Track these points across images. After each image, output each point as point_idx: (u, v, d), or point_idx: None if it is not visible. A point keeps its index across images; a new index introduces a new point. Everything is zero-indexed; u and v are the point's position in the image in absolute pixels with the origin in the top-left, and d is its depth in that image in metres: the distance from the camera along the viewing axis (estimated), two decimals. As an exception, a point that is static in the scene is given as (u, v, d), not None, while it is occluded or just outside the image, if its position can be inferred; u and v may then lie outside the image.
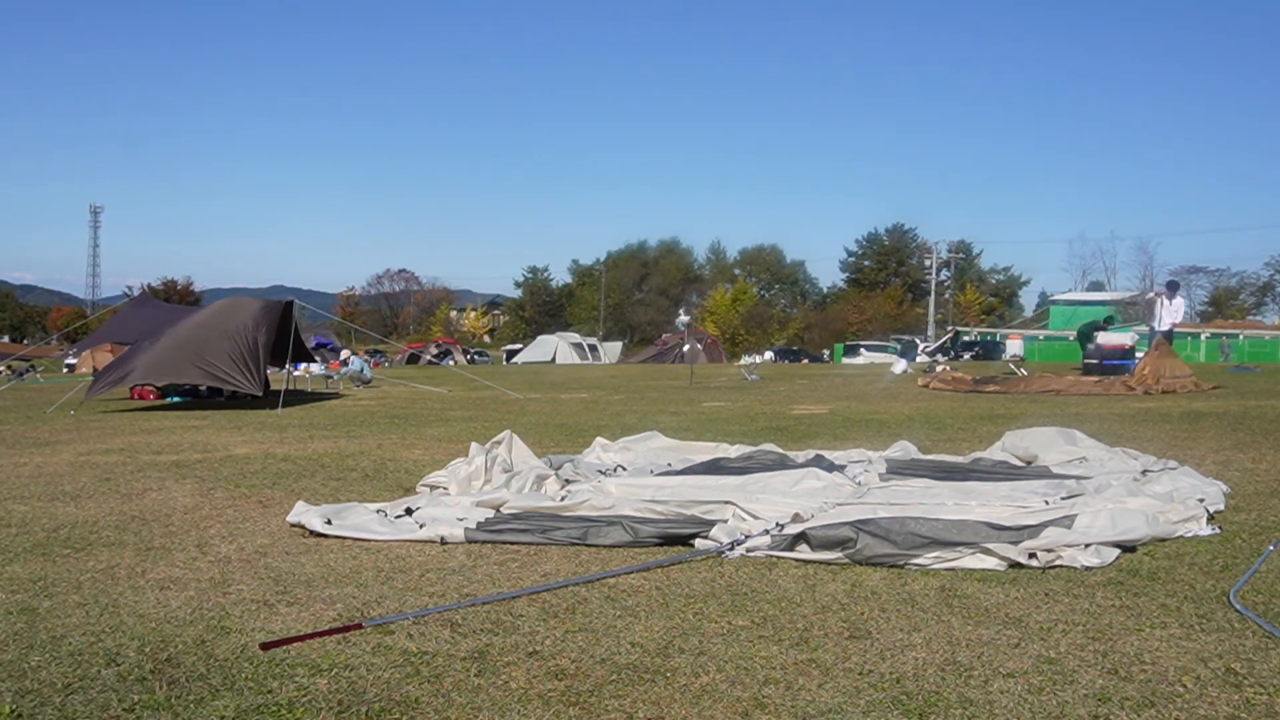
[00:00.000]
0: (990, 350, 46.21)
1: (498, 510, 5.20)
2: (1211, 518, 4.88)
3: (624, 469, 6.99)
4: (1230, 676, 2.85)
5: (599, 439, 8.11)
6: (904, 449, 7.57)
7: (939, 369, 23.43)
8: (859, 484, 5.97)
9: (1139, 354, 19.34)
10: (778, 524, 4.64)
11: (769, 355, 49.79)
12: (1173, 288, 18.62)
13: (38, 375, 29.57)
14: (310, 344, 26.48)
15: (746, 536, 4.53)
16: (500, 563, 4.38)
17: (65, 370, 35.29)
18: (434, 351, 47.04)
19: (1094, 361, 20.44)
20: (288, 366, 15.80)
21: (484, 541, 4.75)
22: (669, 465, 7.18)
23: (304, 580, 4.09)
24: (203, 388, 17.78)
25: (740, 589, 3.89)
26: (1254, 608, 3.50)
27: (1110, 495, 5.10)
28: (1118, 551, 4.22)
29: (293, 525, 5.13)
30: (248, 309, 15.13)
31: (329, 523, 4.98)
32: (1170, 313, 17.17)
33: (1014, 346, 45.16)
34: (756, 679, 2.90)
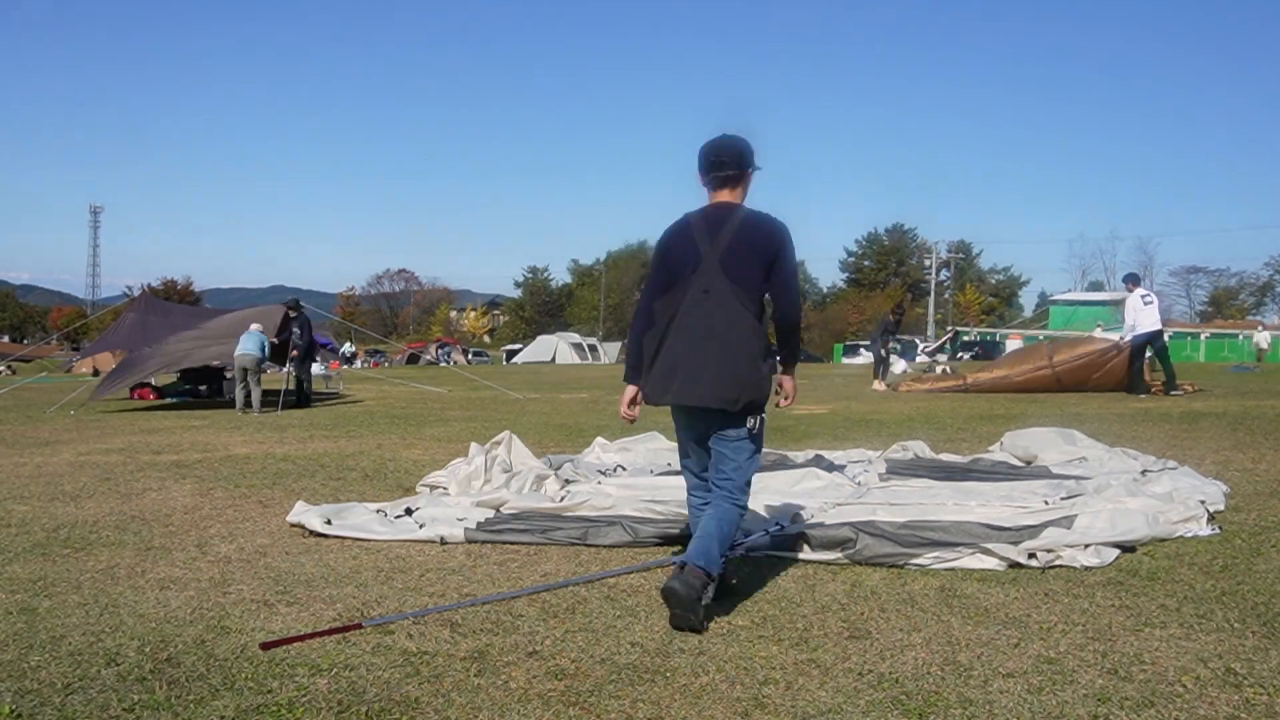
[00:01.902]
0: (990, 350, 46.20)
1: (498, 510, 5.20)
2: (1211, 518, 4.87)
3: (624, 469, 6.99)
4: (1230, 676, 2.85)
5: (599, 439, 8.11)
6: (905, 448, 7.56)
7: (939, 369, 23.44)
8: (858, 484, 5.96)
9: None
10: (778, 524, 4.64)
11: None
12: (1134, 280, 14.75)
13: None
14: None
15: (747, 536, 4.53)
16: (500, 563, 4.38)
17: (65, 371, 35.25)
18: (434, 351, 46.96)
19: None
20: (288, 366, 15.82)
21: (484, 541, 4.75)
22: (669, 465, 7.18)
23: (304, 580, 4.09)
24: (203, 388, 17.80)
25: (740, 589, 3.89)
26: (1254, 608, 3.51)
27: (1110, 495, 5.10)
28: (1117, 552, 4.22)
29: (293, 525, 5.13)
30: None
31: (329, 523, 4.98)
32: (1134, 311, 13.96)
33: (1013, 347, 45.15)
34: (756, 679, 2.90)
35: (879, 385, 17.51)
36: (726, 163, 3.66)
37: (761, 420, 3.66)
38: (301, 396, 15.51)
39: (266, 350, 14.65)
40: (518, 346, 57.66)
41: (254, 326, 14.77)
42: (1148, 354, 14.11)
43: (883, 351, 18.64)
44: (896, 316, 19.30)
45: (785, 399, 3.84)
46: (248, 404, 14.18)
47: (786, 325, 3.67)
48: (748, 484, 3.71)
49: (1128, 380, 14.08)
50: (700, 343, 3.57)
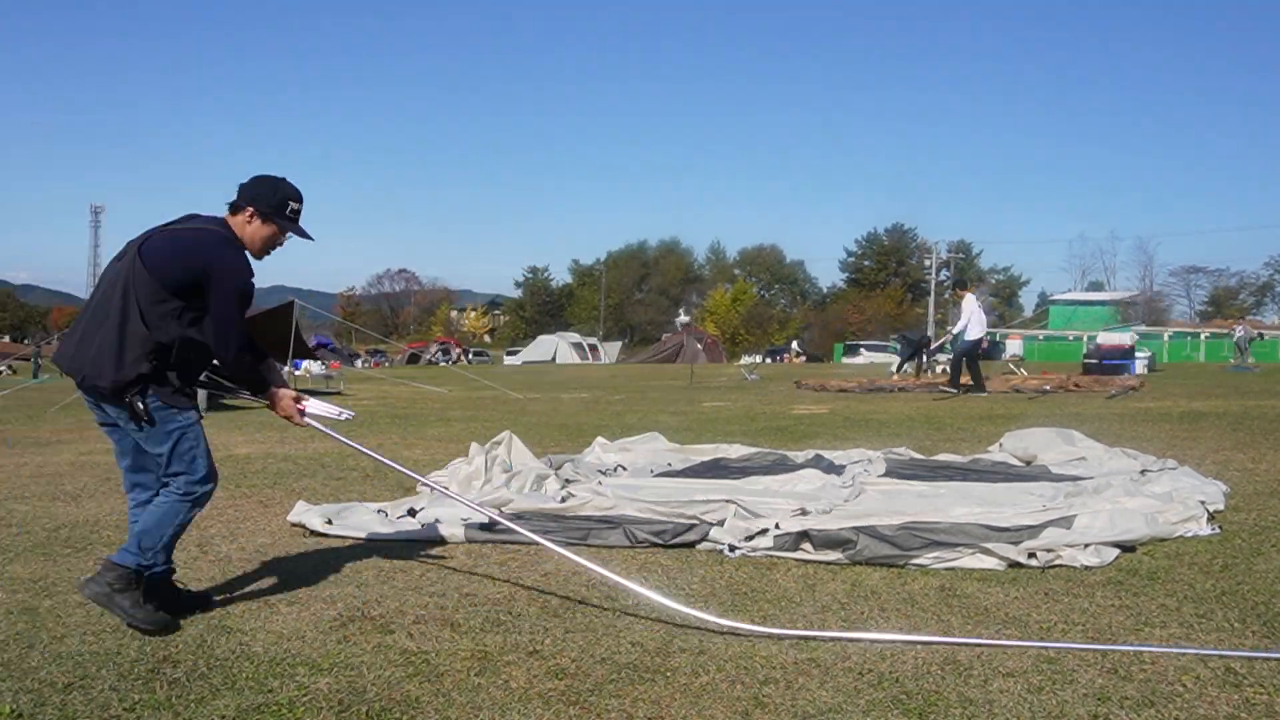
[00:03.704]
0: (989, 350, 46.17)
1: (500, 511, 5.20)
2: (1211, 517, 4.88)
3: (624, 469, 6.99)
4: (1230, 676, 2.85)
5: (599, 439, 8.11)
6: (904, 452, 7.57)
7: (939, 369, 23.43)
8: (858, 484, 5.96)
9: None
10: (777, 524, 4.64)
11: (757, 357, 49.77)
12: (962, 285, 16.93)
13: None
14: (311, 344, 26.51)
15: (748, 537, 4.53)
16: (500, 562, 4.38)
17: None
18: (433, 350, 46.79)
19: (1094, 361, 20.49)
20: (288, 366, 15.84)
21: (484, 542, 4.75)
22: (669, 465, 7.18)
23: (305, 580, 4.09)
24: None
25: (740, 589, 3.89)
26: (1254, 608, 3.51)
27: (1109, 495, 5.11)
28: (1117, 551, 4.23)
29: (293, 525, 5.13)
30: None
31: (329, 522, 4.98)
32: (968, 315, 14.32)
33: (1014, 346, 45.07)
34: (756, 678, 2.90)
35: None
36: (240, 193, 3.59)
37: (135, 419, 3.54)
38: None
39: None
40: (517, 349, 57.79)
41: None
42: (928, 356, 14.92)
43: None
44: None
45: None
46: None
47: (221, 361, 3.59)
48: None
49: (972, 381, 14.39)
50: (89, 305, 3.58)
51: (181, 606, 3.54)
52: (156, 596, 3.43)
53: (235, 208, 3.54)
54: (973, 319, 14.17)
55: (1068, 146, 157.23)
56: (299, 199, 3.59)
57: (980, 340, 14.55)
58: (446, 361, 43.65)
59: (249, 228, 3.51)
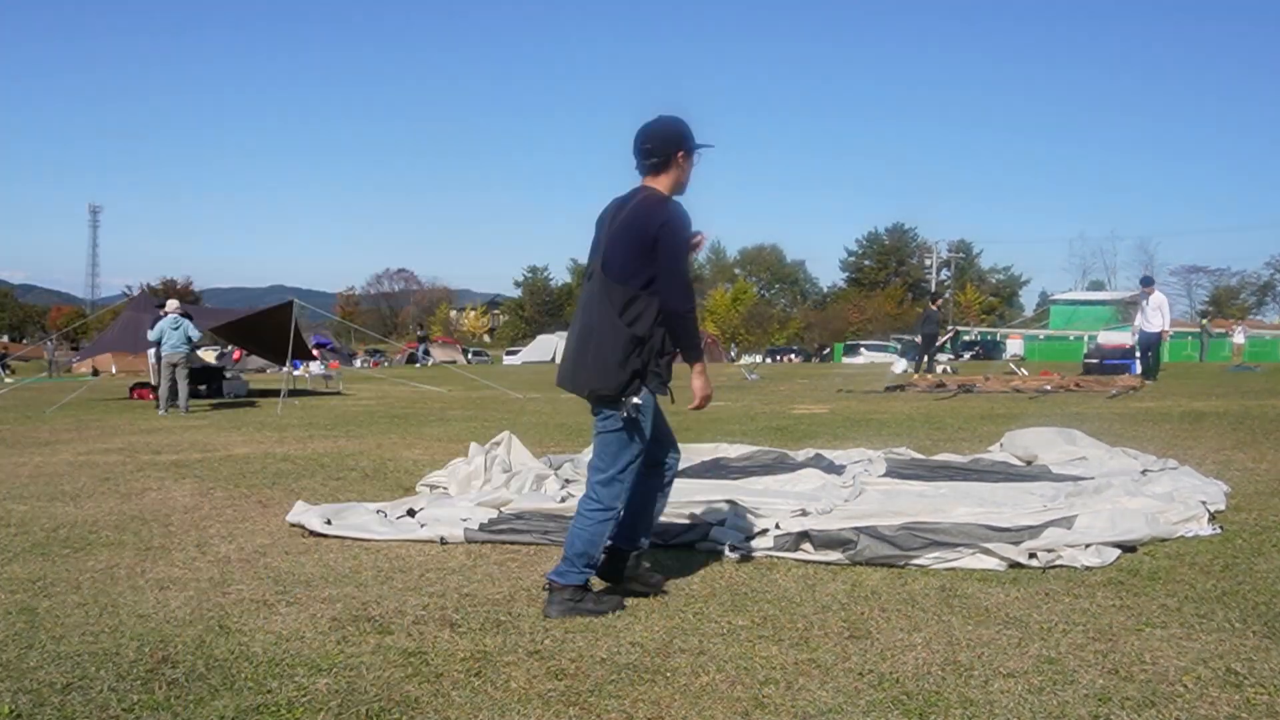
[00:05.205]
0: (990, 350, 46.22)
1: (500, 511, 5.20)
2: (1212, 517, 4.87)
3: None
4: (1231, 676, 2.84)
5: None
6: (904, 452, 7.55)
7: (939, 369, 23.45)
8: (858, 484, 5.95)
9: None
10: (777, 523, 4.64)
11: (756, 357, 49.84)
12: (1147, 282, 17.34)
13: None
14: (310, 343, 26.53)
15: (748, 537, 4.53)
16: (500, 563, 4.38)
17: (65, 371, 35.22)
18: (423, 351, 45.30)
19: (1094, 361, 20.49)
20: (288, 366, 15.82)
21: (484, 541, 4.74)
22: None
23: (304, 580, 4.09)
24: (203, 387, 17.84)
25: (740, 589, 3.89)
26: (1255, 608, 3.50)
27: (1110, 495, 5.10)
28: (1118, 551, 4.22)
29: (292, 525, 5.13)
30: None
31: (329, 523, 4.98)
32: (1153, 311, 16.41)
33: (1014, 346, 45.12)
34: (756, 679, 2.89)
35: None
36: (651, 149, 3.58)
37: (625, 417, 3.52)
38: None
39: (193, 340, 14.09)
40: (517, 349, 57.71)
41: (171, 305, 14.34)
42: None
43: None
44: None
45: (691, 402, 3.74)
46: (173, 402, 13.53)
47: (668, 315, 3.49)
48: (612, 481, 3.59)
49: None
50: (572, 327, 3.66)
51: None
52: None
53: (655, 169, 3.61)
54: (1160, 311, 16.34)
55: (1068, 146, 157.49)
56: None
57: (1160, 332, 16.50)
58: (424, 361, 42.26)
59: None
